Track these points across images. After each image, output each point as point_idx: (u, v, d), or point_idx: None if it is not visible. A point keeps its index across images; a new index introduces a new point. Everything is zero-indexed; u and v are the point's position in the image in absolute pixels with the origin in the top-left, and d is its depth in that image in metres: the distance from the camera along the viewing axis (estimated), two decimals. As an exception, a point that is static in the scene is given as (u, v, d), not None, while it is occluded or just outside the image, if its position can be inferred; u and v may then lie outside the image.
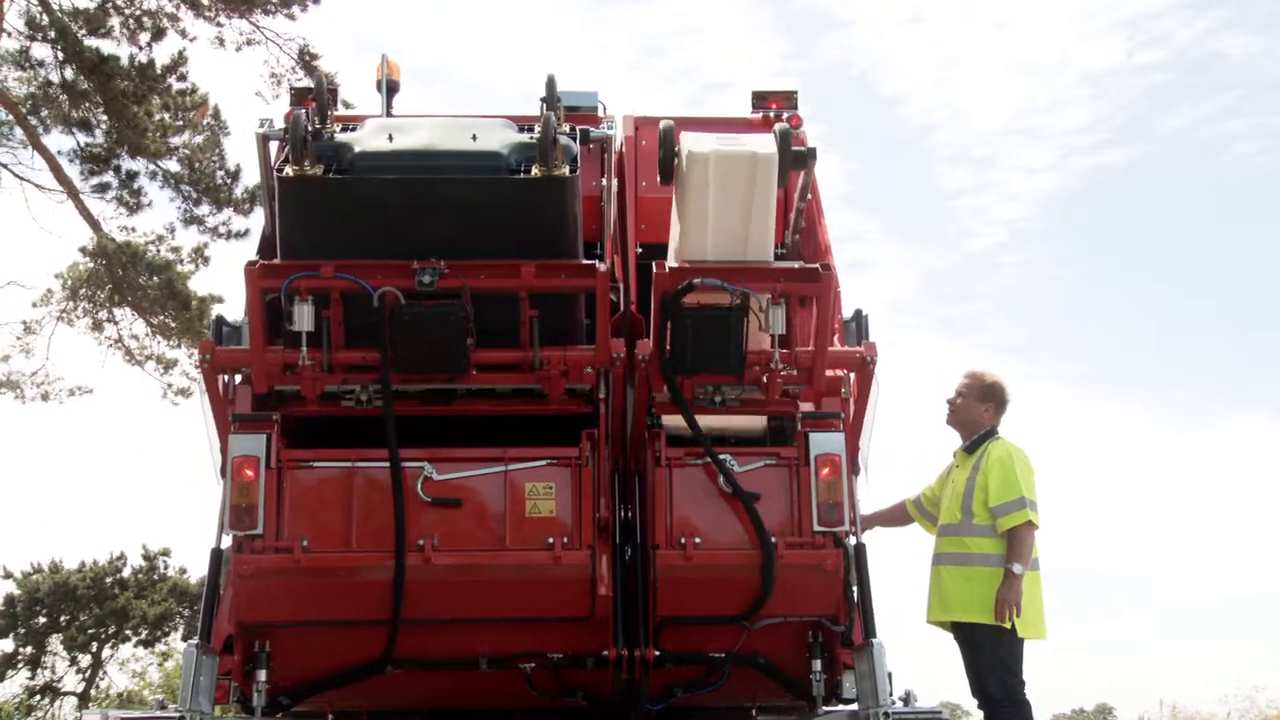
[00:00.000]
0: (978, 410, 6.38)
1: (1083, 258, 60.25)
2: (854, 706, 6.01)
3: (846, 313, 6.74)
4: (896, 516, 6.84)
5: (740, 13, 56.70)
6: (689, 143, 5.85)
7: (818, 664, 6.06)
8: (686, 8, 55.51)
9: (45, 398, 19.30)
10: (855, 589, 6.09)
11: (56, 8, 17.39)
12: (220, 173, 18.63)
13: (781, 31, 61.49)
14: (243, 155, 19.42)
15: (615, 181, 6.73)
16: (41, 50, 17.57)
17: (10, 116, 17.95)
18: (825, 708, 6.08)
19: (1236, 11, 55.34)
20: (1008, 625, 5.99)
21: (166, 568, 30.61)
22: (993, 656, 6.03)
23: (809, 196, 6.94)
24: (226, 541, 5.97)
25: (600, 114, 7.71)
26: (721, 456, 6.09)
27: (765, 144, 5.83)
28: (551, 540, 5.81)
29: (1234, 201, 56.83)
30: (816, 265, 5.94)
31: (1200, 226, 59.13)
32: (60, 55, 17.19)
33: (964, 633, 6.14)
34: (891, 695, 5.80)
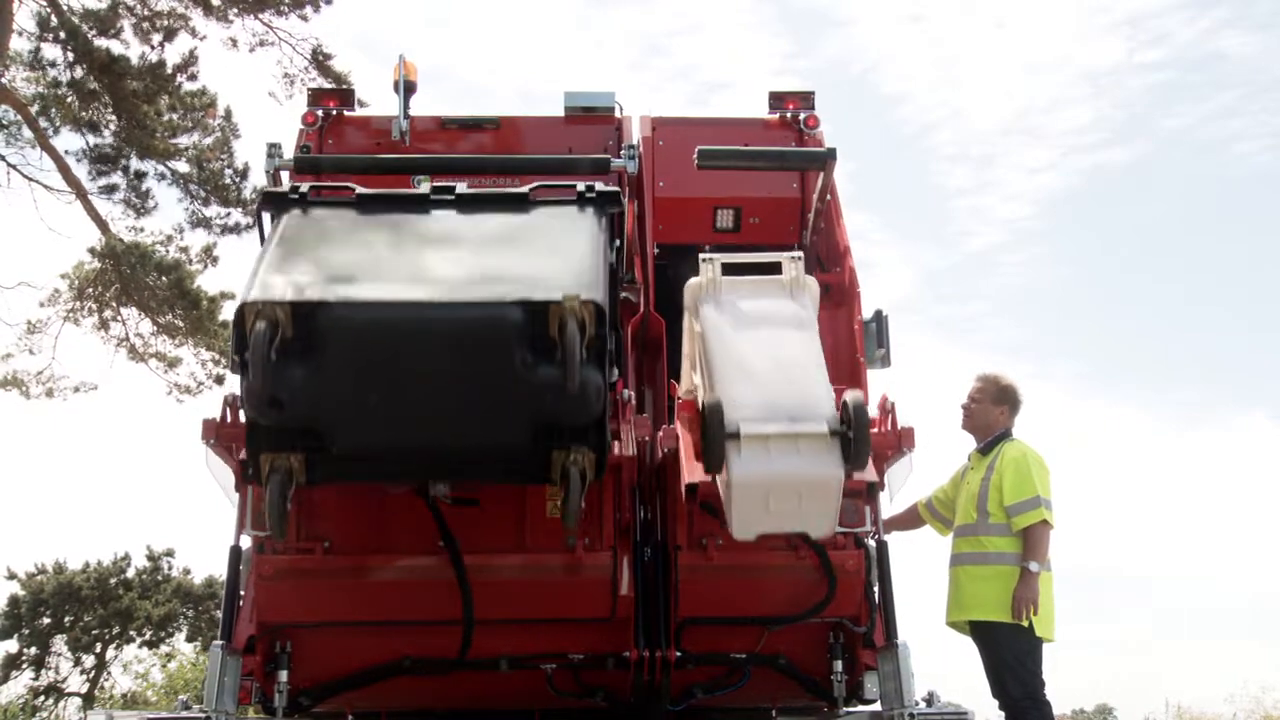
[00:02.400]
0: (994, 414, 6.39)
1: (1083, 258, 60.22)
2: (875, 707, 6.00)
3: (866, 313, 6.75)
4: (909, 519, 6.83)
5: (740, 12, 56.70)
6: (737, 510, 4.99)
7: (839, 665, 6.04)
8: (687, 7, 55.54)
9: (50, 394, 19.30)
10: (876, 589, 6.10)
11: (66, 9, 17.43)
12: (230, 172, 18.68)
13: (781, 31, 61.52)
14: (253, 155, 19.47)
15: (635, 203, 6.77)
16: (52, 51, 17.65)
17: (19, 117, 17.96)
18: (846, 709, 6.06)
19: (1237, 10, 55.32)
20: (1025, 624, 5.99)
21: (171, 568, 30.69)
22: (1011, 656, 6.03)
23: (828, 198, 6.97)
24: (245, 541, 5.96)
25: (616, 114, 7.75)
26: None
27: (825, 502, 4.95)
28: (572, 541, 5.80)
29: (1235, 201, 56.75)
30: (864, 486, 5.62)
31: (1201, 226, 59.08)
32: (71, 56, 17.22)
33: (982, 632, 6.14)
34: (914, 696, 5.78)
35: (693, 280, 5.39)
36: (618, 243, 5.59)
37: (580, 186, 5.57)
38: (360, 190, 5.49)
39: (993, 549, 6.14)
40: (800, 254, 5.35)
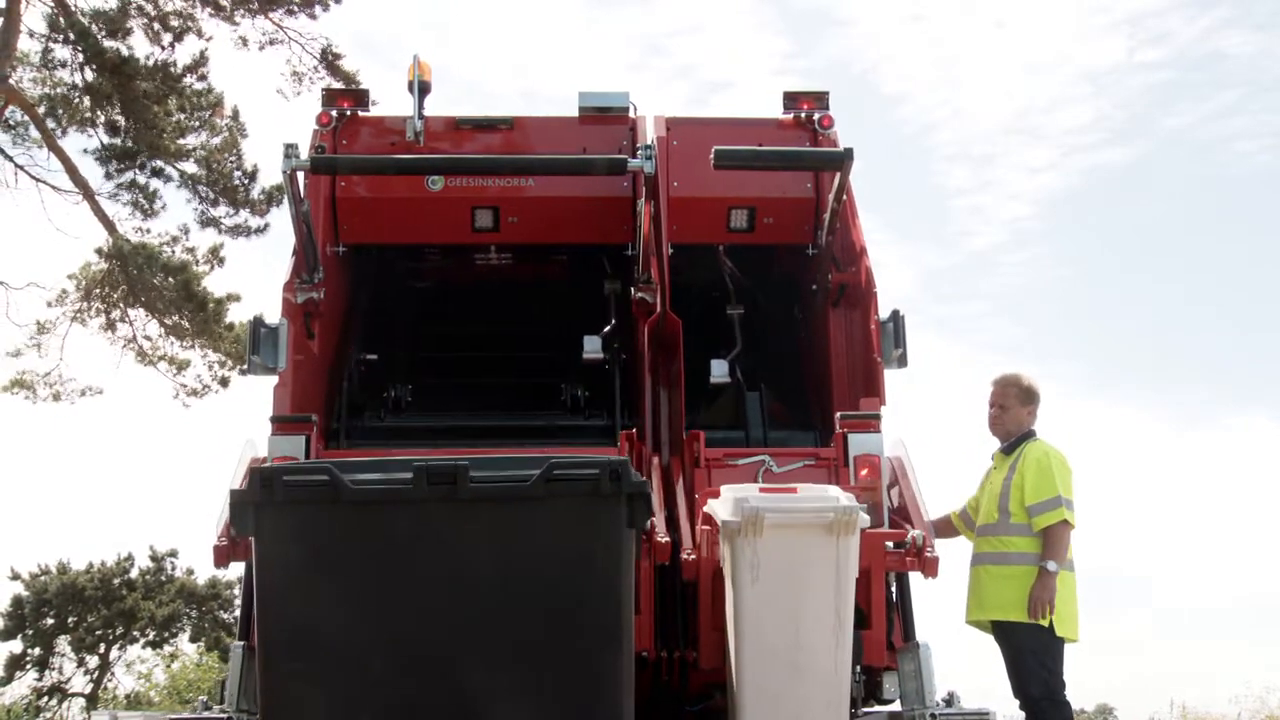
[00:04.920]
0: (1023, 415, 6.32)
1: (1083, 258, 60.03)
2: (893, 707, 5.99)
3: (883, 313, 6.72)
4: (944, 529, 6.66)
5: (740, 12, 56.51)
6: None
7: (857, 665, 6.03)
8: (687, 7, 55.40)
9: (56, 398, 19.28)
10: (894, 590, 6.10)
11: (76, 9, 17.43)
12: (238, 173, 18.63)
13: (782, 30, 61.33)
14: (261, 156, 19.45)
15: (651, 205, 6.76)
16: (62, 52, 17.64)
17: (26, 118, 17.95)
18: (865, 709, 6.05)
19: (1238, 10, 55.08)
20: (1044, 623, 5.98)
21: (174, 569, 30.65)
22: (1032, 655, 6.00)
23: (844, 198, 6.95)
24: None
25: (631, 114, 7.74)
26: (760, 457, 6.10)
27: None
28: None
29: (1235, 201, 56.55)
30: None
31: (1201, 226, 58.90)
32: (81, 57, 17.21)
33: (1003, 632, 6.13)
34: (935, 696, 5.78)
35: (729, 519, 5.04)
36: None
37: (605, 483, 4.62)
38: (337, 479, 4.61)
39: (1014, 549, 6.11)
40: (853, 502, 5.05)
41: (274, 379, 6.54)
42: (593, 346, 7.16)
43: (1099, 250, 58.05)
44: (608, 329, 7.40)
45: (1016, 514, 6.10)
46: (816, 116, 7.58)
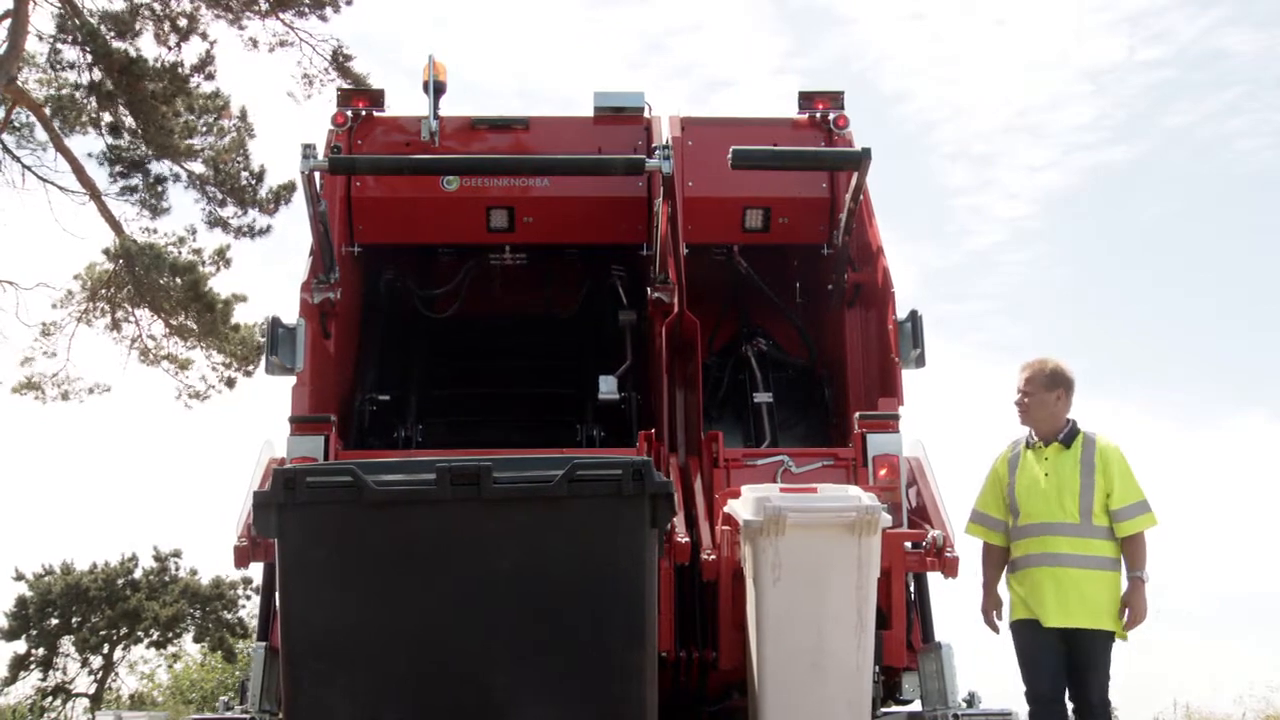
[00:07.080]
0: (1050, 401, 5.98)
1: (1084, 257, 59.86)
2: (912, 708, 6.00)
3: (900, 313, 6.71)
4: (997, 560, 6.19)
5: (740, 10, 56.36)
6: None
7: (877, 666, 6.02)
8: (687, 5, 55.25)
9: (65, 397, 19.28)
10: (913, 591, 6.10)
11: (85, 11, 17.42)
12: (245, 174, 18.62)
13: (782, 29, 61.17)
14: (269, 156, 19.45)
15: (668, 206, 6.75)
16: (70, 53, 17.64)
17: (33, 118, 17.95)
18: (883, 709, 6.05)
19: (1239, 8, 54.86)
20: (1124, 636, 5.84)
21: (178, 569, 30.62)
22: (1101, 662, 5.81)
23: (860, 198, 6.94)
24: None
25: (646, 114, 7.73)
26: (779, 458, 6.10)
27: None
28: None
29: (1236, 199, 56.39)
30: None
31: (1202, 224, 58.74)
32: (89, 58, 17.22)
33: (1078, 636, 5.84)
34: (957, 697, 5.78)
35: (751, 519, 5.08)
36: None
37: (628, 483, 4.64)
38: (360, 479, 4.59)
39: (1097, 553, 5.83)
40: (875, 502, 5.07)
41: (290, 379, 6.54)
42: (608, 387, 7.00)
43: (1099, 249, 57.92)
44: (623, 369, 7.27)
45: (1099, 515, 5.83)
46: (832, 116, 7.58)
